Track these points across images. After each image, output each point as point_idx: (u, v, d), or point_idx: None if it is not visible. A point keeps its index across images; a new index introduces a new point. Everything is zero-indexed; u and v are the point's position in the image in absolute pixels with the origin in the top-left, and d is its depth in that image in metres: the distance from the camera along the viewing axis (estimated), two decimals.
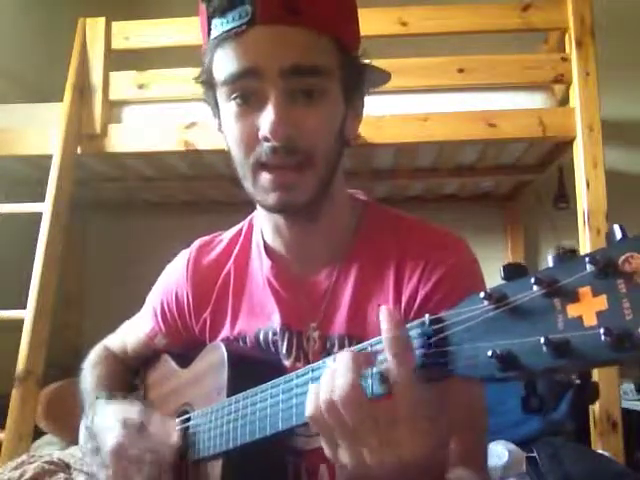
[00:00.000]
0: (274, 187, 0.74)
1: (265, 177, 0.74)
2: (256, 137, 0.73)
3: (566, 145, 1.89)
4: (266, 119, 0.71)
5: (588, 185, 1.76)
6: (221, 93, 0.76)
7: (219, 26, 0.72)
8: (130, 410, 0.83)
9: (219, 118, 0.80)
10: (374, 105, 1.90)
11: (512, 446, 1.61)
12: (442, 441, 0.54)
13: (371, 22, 1.89)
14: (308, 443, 0.78)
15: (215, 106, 0.80)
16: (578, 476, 1.48)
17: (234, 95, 0.74)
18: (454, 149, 2.07)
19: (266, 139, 0.72)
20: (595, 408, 1.70)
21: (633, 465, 1.70)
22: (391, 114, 1.86)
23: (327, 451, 0.55)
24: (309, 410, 0.55)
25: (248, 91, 0.73)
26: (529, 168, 2.32)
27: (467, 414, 0.73)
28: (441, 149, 2.07)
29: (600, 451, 1.66)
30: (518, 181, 2.48)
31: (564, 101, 1.91)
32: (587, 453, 1.64)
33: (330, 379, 0.54)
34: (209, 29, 0.74)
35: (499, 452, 1.55)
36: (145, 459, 0.76)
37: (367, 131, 1.81)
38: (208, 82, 0.78)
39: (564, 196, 2.42)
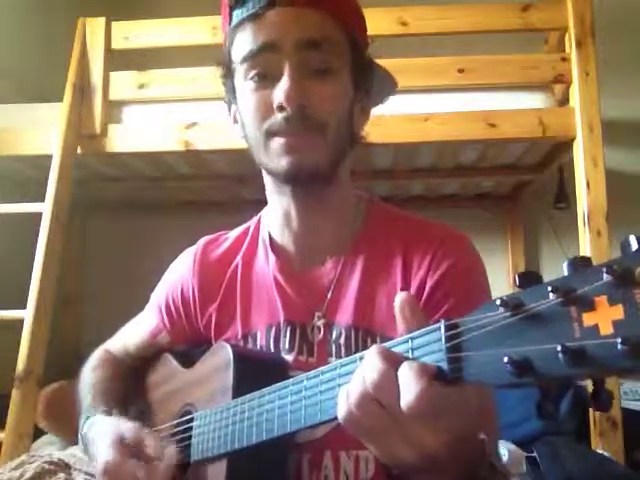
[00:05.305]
0: (286, 151, 0.76)
1: (277, 142, 0.77)
2: (270, 108, 0.76)
3: (566, 145, 1.89)
4: (280, 88, 0.74)
5: (588, 185, 1.76)
6: (239, 73, 0.79)
7: (239, 15, 0.77)
8: (125, 429, 0.80)
9: (236, 105, 0.83)
10: None
11: (512, 446, 1.61)
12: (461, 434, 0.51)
13: (371, 22, 1.87)
14: (310, 434, 0.78)
15: (232, 93, 0.83)
16: (578, 476, 1.48)
17: (252, 73, 0.77)
18: (454, 149, 2.07)
19: (280, 107, 0.75)
20: None
21: (633, 465, 1.70)
22: (391, 114, 1.85)
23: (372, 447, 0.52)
24: (342, 409, 0.51)
25: (265, 67, 0.76)
26: (529, 168, 2.32)
27: (479, 415, 0.72)
28: (441, 149, 2.07)
29: (600, 451, 1.65)
30: (518, 181, 2.48)
31: (564, 101, 1.91)
32: (587, 453, 1.64)
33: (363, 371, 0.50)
34: (230, 20, 0.78)
35: (499, 452, 1.55)
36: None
37: (367, 131, 1.80)
38: (227, 66, 0.81)
39: (564, 196, 2.41)
